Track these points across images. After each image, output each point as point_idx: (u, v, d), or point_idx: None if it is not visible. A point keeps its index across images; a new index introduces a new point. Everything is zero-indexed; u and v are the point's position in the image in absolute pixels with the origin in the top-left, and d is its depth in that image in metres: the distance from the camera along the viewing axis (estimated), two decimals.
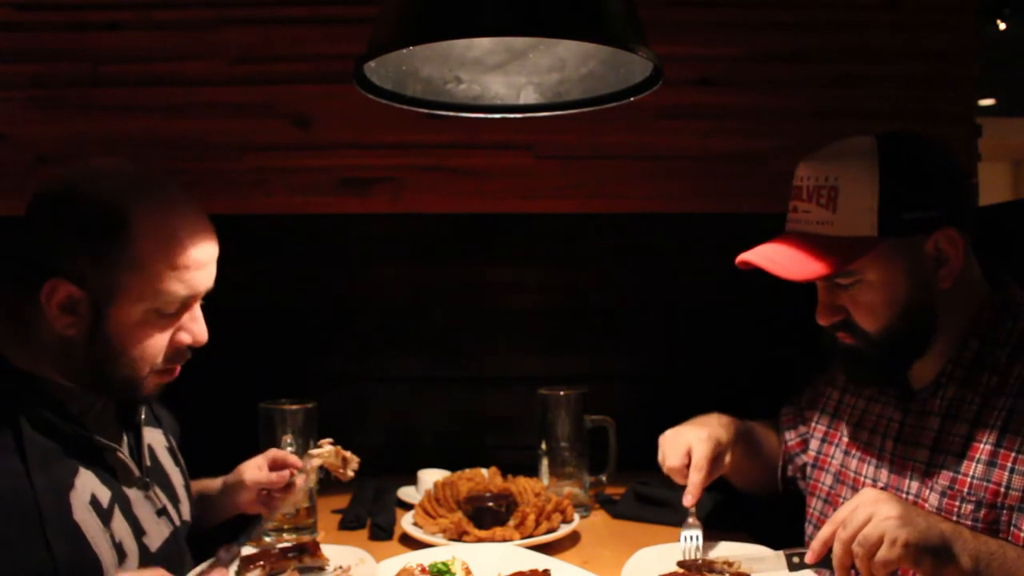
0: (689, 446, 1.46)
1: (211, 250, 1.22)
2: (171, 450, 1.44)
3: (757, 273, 1.33)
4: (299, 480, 1.48)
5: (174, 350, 1.22)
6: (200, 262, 1.20)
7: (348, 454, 1.49)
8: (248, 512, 1.53)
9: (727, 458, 1.50)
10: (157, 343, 1.19)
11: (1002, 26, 2.59)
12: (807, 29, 2.11)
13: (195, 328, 1.23)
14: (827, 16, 2.11)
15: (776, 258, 1.30)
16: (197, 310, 1.24)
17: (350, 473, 1.48)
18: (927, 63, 2.11)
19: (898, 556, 1.06)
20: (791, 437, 1.61)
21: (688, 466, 1.45)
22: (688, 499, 1.44)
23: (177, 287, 1.17)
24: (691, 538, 1.40)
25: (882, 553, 1.07)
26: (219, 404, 1.85)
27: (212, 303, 1.28)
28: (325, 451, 1.47)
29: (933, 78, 2.12)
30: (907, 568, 1.08)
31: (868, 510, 1.10)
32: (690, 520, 1.43)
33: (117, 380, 1.20)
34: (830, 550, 1.14)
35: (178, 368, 1.26)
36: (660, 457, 1.51)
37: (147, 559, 1.25)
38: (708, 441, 1.46)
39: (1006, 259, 1.34)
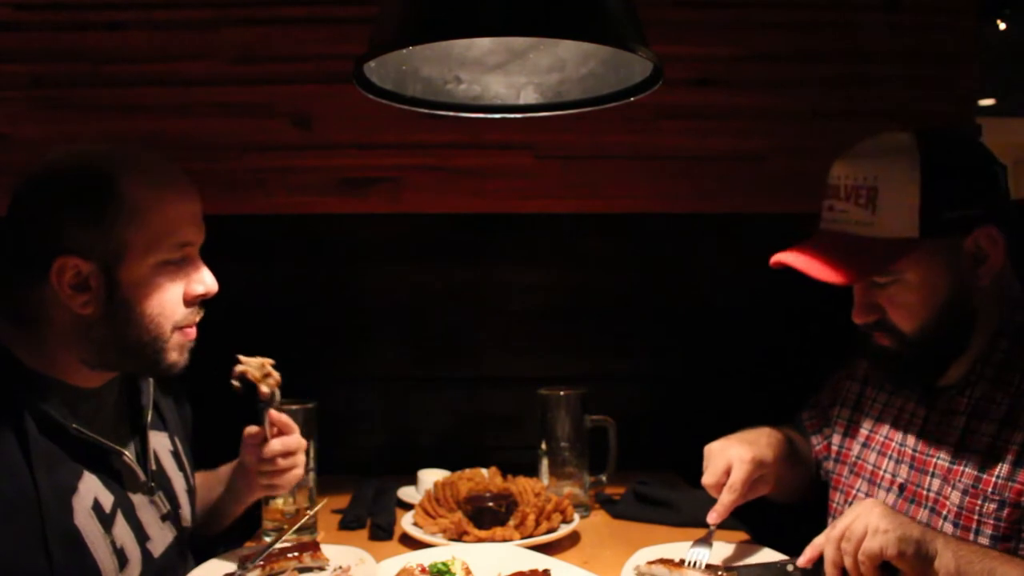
0: (730, 464, 1.41)
1: (194, 195, 1.27)
2: (175, 454, 1.43)
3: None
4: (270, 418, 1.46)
5: (189, 302, 1.25)
6: (189, 207, 1.25)
7: (272, 370, 1.46)
8: (259, 485, 1.50)
9: (770, 480, 1.46)
10: (172, 296, 1.23)
11: (1002, 26, 2.59)
12: (807, 29, 2.11)
13: (205, 278, 1.27)
14: (827, 16, 2.11)
15: (813, 260, 1.28)
16: (201, 262, 1.28)
17: (264, 389, 1.44)
18: (927, 63, 2.11)
19: (880, 544, 1.08)
20: (818, 441, 1.59)
21: (724, 485, 1.42)
22: (712, 517, 1.40)
23: (176, 231, 1.21)
24: (698, 555, 1.34)
25: (865, 543, 1.09)
26: (219, 404, 1.84)
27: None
28: (252, 360, 1.45)
29: (933, 78, 2.11)
30: (892, 558, 1.09)
31: (854, 511, 1.14)
32: (707, 537, 1.38)
33: (142, 345, 1.21)
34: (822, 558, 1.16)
35: (194, 329, 1.28)
36: (704, 467, 1.47)
37: (149, 565, 1.25)
38: (750, 463, 1.41)
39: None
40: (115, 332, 1.19)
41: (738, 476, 1.40)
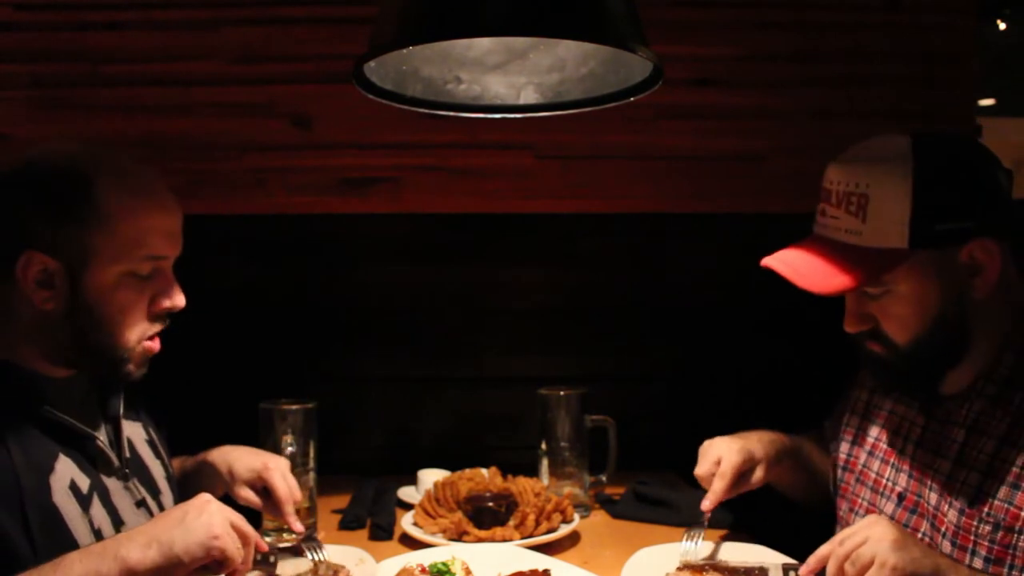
0: (720, 456, 1.45)
1: (174, 209, 1.26)
2: (151, 443, 1.43)
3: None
4: None
5: (154, 315, 1.25)
6: (165, 221, 1.24)
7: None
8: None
9: (758, 473, 1.48)
10: (136, 308, 1.22)
11: (1002, 26, 2.59)
12: (807, 29, 2.11)
13: (172, 293, 1.26)
14: (827, 16, 2.10)
15: (801, 268, 1.27)
16: (171, 275, 1.27)
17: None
18: (927, 63, 2.11)
19: None
20: (834, 448, 1.58)
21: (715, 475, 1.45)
22: (705, 503, 1.43)
23: (146, 244, 1.20)
24: (693, 536, 1.41)
25: (871, 574, 1.07)
26: (219, 404, 1.85)
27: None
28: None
29: (933, 78, 2.11)
30: None
31: (866, 532, 1.11)
32: (702, 519, 1.43)
33: (103, 349, 1.21)
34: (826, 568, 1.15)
35: (158, 340, 1.27)
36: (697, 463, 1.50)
37: None
38: (738, 453, 1.45)
39: None
40: (76, 332, 1.19)
41: (728, 463, 1.44)
